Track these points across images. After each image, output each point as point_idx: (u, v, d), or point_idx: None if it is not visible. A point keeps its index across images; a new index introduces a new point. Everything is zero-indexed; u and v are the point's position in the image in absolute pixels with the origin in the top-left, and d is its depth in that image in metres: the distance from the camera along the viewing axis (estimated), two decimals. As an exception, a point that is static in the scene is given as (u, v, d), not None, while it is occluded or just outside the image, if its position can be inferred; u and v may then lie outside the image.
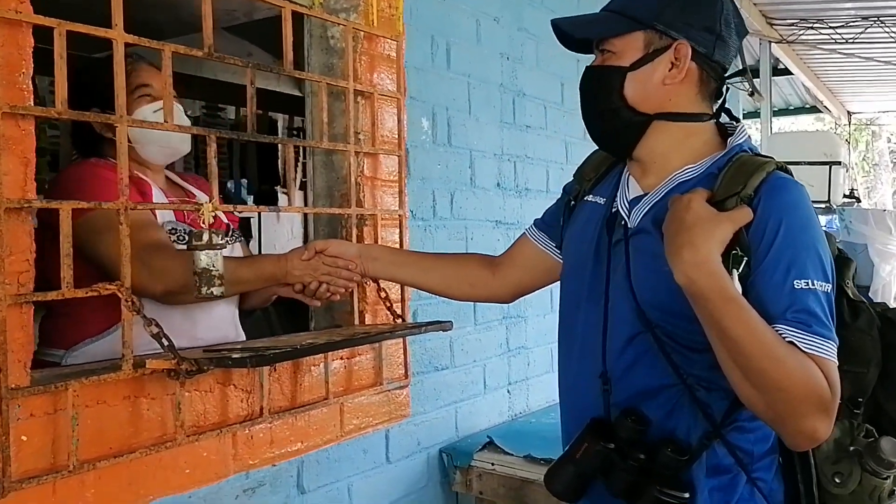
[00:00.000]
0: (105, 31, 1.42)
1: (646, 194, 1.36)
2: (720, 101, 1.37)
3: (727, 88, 1.38)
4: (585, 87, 1.38)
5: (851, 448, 1.29)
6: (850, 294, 1.34)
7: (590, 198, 1.48)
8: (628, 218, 1.36)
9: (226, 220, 2.00)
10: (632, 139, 1.34)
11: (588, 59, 1.41)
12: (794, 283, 1.15)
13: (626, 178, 1.41)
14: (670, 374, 1.27)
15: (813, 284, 1.15)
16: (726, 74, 1.35)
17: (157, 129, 1.66)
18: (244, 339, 1.96)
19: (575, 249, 1.47)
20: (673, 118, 1.32)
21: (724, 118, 1.39)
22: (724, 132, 1.37)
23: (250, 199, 4.49)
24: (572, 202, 1.53)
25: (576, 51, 1.42)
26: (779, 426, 1.16)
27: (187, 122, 1.88)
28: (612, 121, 1.34)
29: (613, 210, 1.40)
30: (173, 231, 1.79)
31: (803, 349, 1.12)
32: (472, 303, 2.58)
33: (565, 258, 1.53)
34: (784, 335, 1.12)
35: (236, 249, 2.01)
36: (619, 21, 1.31)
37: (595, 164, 1.52)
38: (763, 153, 1.33)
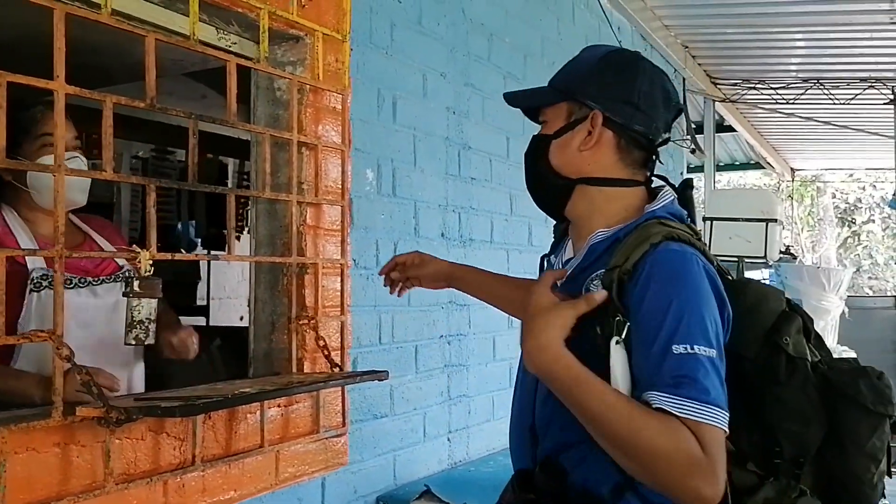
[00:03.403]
0: (46, 82, 1.45)
1: (572, 258, 1.44)
2: (650, 169, 1.43)
3: (656, 156, 1.43)
4: (525, 154, 1.48)
5: None
6: (791, 351, 1.33)
7: (551, 258, 1.57)
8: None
9: (122, 263, 1.98)
10: (559, 202, 1.43)
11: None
12: (673, 348, 1.17)
13: (567, 240, 1.50)
14: (579, 429, 1.28)
15: (692, 349, 1.17)
16: (656, 143, 1.41)
17: (92, 177, 1.69)
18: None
19: None
20: (594, 182, 1.39)
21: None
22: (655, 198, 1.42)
23: (199, 241, 4.50)
24: (548, 257, 1.60)
25: (532, 119, 1.53)
26: (663, 490, 1.18)
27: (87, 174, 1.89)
28: (542, 184, 1.45)
29: None
30: (44, 277, 1.79)
31: (676, 414, 1.13)
32: (414, 350, 2.63)
33: None
34: (654, 402, 1.15)
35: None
36: (550, 93, 1.44)
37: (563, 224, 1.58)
38: (673, 219, 1.35)
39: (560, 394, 1.21)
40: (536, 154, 1.44)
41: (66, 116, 1.83)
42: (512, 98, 1.52)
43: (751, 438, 1.30)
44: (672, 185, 1.44)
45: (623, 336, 1.22)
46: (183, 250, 4.44)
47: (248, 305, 2.40)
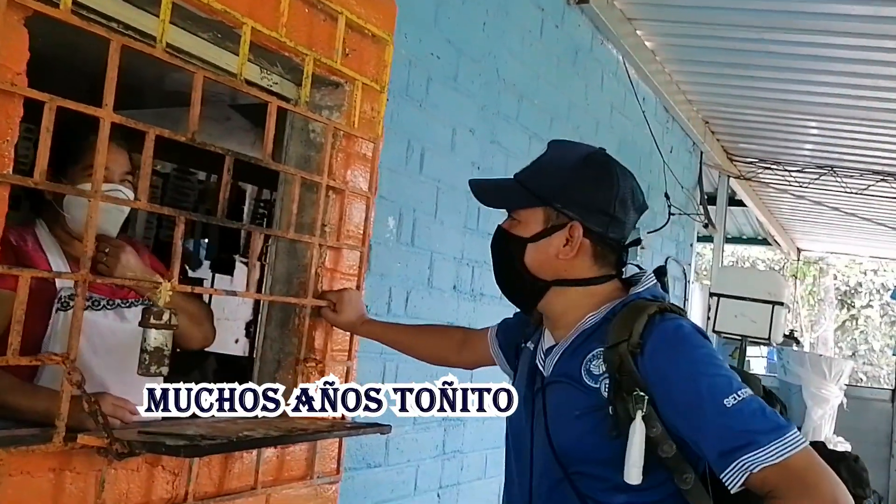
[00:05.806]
0: (94, 109, 1.46)
1: (557, 344, 1.46)
2: (624, 263, 1.49)
3: (633, 249, 1.51)
4: (494, 248, 1.51)
5: None
6: None
7: (525, 344, 1.59)
8: (543, 368, 1.46)
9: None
10: (533, 299, 1.47)
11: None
12: (724, 402, 1.20)
13: (543, 328, 1.52)
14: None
15: (739, 395, 1.21)
16: (627, 244, 1.47)
17: (127, 205, 1.69)
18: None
19: (517, 394, 1.56)
20: (569, 284, 1.43)
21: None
22: (630, 283, 1.48)
23: (207, 264, 4.49)
24: (521, 344, 1.62)
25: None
26: None
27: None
28: (515, 282, 1.48)
29: (535, 361, 1.50)
30: (72, 297, 1.76)
31: (775, 462, 1.16)
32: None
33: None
34: (750, 467, 1.17)
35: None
36: (525, 195, 1.44)
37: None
38: (658, 297, 1.41)
39: None
40: (508, 251, 1.45)
41: (124, 150, 1.85)
42: (482, 192, 1.52)
43: None
44: (641, 269, 1.51)
45: (644, 409, 1.24)
46: (188, 268, 4.44)
47: (255, 340, 2.40)
